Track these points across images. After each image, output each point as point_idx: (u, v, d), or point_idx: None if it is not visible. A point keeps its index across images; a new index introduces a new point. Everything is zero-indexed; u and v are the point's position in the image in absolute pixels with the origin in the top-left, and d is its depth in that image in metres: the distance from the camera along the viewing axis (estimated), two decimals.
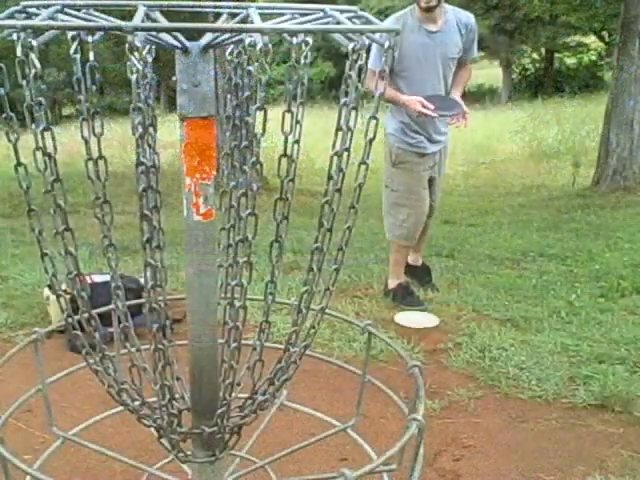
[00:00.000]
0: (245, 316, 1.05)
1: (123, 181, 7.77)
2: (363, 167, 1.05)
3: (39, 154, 0.89)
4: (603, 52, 24.88)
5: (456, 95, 3.59)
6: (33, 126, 0.87)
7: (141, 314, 1.05)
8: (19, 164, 0.90)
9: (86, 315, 1.07)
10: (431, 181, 3.71)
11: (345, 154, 1.01)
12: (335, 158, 1.01)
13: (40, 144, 0.88)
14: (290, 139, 0.94)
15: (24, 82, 0.84)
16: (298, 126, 0.94)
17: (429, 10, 3.32)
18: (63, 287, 1.08)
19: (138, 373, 1.13)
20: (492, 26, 23.21)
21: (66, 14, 0.88)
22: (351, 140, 1.00)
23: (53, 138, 0.88)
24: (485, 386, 2.80)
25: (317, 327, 1.16)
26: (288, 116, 0.92)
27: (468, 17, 3.51)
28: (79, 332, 1.07)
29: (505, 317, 3.55)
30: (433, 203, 3.80)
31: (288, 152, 0.95)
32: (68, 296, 1.06)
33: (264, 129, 0.91)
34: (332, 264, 1.12)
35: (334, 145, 1.00)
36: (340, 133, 0.99)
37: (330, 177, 1.02)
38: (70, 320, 1.05)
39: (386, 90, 3.46)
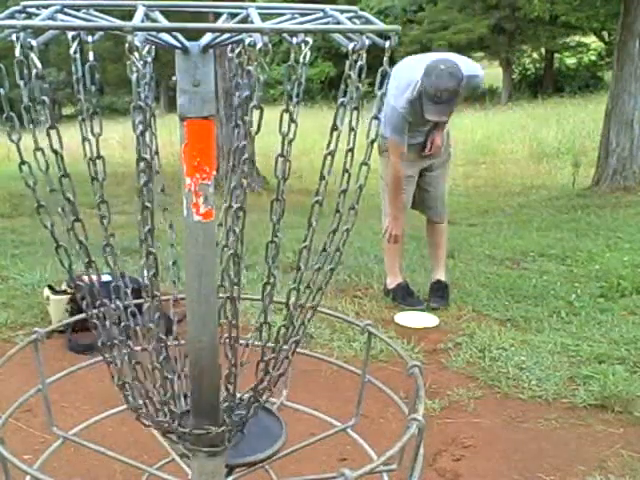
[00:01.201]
0: (237, 309, 1.05)
1: (123, 180, 7.78)
2: (365, 168, 1.05)
3: (39, 154, 0.89)
4: (603, 52, 24.89)
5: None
6: (30, 126, 0.87)
7: (141, 314, 1.05)
8: (23, 162, 0.90)
9: (85, 315, 1.07)
10: (424, 186, 3.76)
11: (342, 154, 1.02)
12: (329, 158, 1.01)
13: (41, 144, 0.88)
14: (287, 139, 0.94)
15: (22, 83, 0.84)
16: (293, 125, 0.94)
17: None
18: (63, 287, 1.08)
19: (139, 371, 1.13)
20: (492, 26, 23.23)
21: (66, 14, 0.88)
22: (355, 140, 1.00)
23: (59, 136, 0.88)
24: (485, 386, 2.80)
25: (307, 324, 1.17)
26: (286, 115, 0.92)
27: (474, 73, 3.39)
28: (99, 326, 1.06)
29: (505, 317, 3.56)
30: (430, 211, 3.82)
31: (287, 152, 0.95)
32: (66, 296, 1.06)
33: (259, 127, 0.91)
34: (328, 264, 1.12)
35: (329, 145, 1.00)
36: (335, 133, 0.99)
37: (322, 177, 1.02)
38: (91, 314, 1.04)
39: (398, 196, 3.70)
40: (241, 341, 1.09)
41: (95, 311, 1.04)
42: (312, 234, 1.04)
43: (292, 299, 1.09)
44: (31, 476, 0.96)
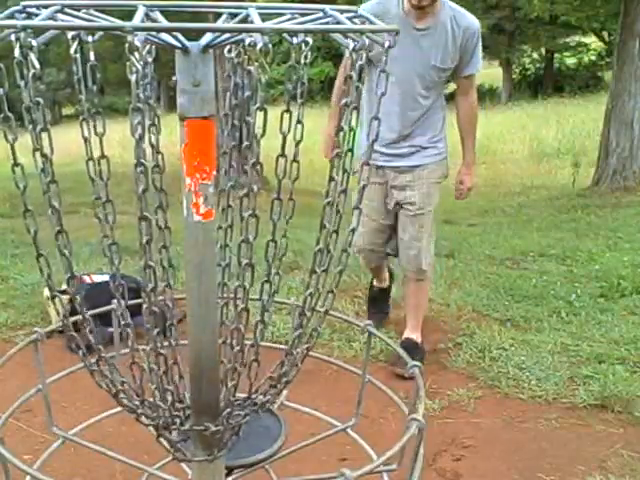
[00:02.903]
0: (248, 318, 1.05)
1: (123, 181, 7.76)
2: (366, 168, 1.05)
3: (36, 155, 0.89)
4: (603, 52, 24.91)
5: (467, 153, 2.97)
6: (30, 128, 0.87)
7: (141, 314, 1.05)
8: (16, 164, 0.90)
9: (80, 317, 1.07)
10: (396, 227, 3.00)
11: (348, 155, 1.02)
12: (336, 159, 1.01)
13: (37, 145, 0.88)
14: (289, 139, 0.94)
15: (22, 83, 0.84)
16: (300, 126, 0.94)
17: (420, 8, 2.65)
18: (63, 287, 1.08)
19: (139, 372, 1.13)
20: (492, 26, 23.23)
21: (66, 14, 0.88)
22: (353, 141, 1.00)
23: (50, 139, 0.88)
24: (485, 386, 2.80)
25: (320, 329, 1.16)
26: (287, 116, 0.92)
27: (470, 21, 2.74)
28: (75, 334, 1.07)
29: (505, 317, 3.55)
30: (401, 262, 3.03)
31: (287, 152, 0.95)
32: (66, 297, 1.06)
33: (264, 129, 0.91)
34: (335, 266, 1.12)
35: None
36: (342, 134, 0.99)
37: (331, 179, 1.02)
38: (66, 322, 1.05)
39: (333, 107, 2.81)
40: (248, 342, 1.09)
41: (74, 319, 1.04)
42: (326, 236, 1.04)
43: (307, 303, 1.08)
44: (31, 476, 0.96)
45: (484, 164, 11.33)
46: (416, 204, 2.89)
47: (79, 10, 0.90)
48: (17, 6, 0.88)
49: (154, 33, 0.91)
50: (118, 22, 0.84)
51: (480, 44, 2.80)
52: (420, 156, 2.86)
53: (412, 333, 3.11)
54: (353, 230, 1.08)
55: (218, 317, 1.15)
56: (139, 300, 1.09)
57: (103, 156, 0.97)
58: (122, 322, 1.11)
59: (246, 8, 0.92)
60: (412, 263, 2.96)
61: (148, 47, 0.94)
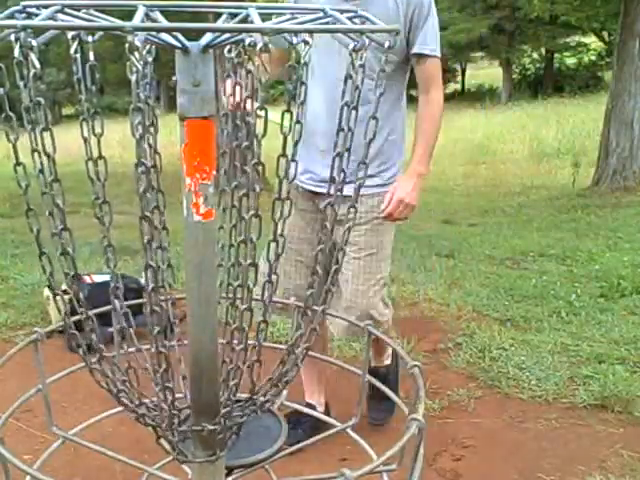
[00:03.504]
0: (251, 318, 1.05)
1: (123, 181, 7.78)
2: (362, 167, 1.05)
3: (36, 155, 0.89)
4: (603, 52, 24.92)
5: (414, 158, 2.10)
6: (29, 127, 0.87)
7: (142, 314, 1.05)
8: (18, 164, 0.90)
9: (82, 316, 1.07)
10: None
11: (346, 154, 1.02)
12: (337, 159, 1.01)
13: (38, 145, 0.88)
14: (288, 139, 0.94)
15: (21, 83, 0.84)
16: (298, 126, 0.94)
17: None
18: (63, 287, 1.08)
19: (136, 375, 1.13)
20: (492, 26, 23.26)
21: (66, 14, 0.88)
22: (351, 140, 1.00)
23: (52, 139, 0.88)
24: (485, 386, 2.80)
25: (318, 329, 1.16)
26: (287, 116, 0.92)
27: None
28: (76, 332, 1.06)
29: (505, 317, 3.56)
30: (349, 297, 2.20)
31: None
32: (67, 296, 1.06)
33: (265, 129, 0.91)
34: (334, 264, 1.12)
35: (335, 146, 1.00)
36: (341, 134, 0.99)
37: (332, 179, 1.02)
38: (68, 320, 1.05)
39: None
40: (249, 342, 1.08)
41: (75, 318, 1.04)
42: (328, 237, 1.04)
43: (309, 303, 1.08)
44: (31, 476, 0.96)
45: (484, 164, 11.35)
46: (355, 245, 2.15)
47: (79, 10, 0.90)
48: (17, 6, 0.88)
49: (154, 33, 0.91)
50: (118, 22, 0.84)
51: (433, 19, 2.05)
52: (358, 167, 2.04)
53: (380, 360, 2.56)
54: (349, 228, 1.07)
55: (223, 317, 1.15)
56: (140, 300, 1.09)
57: (100, 156, 0.96)
58: (119, 326, 1.10)
59: (246, 8, 0.92)
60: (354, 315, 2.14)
61: (148, 47, 0.94)
